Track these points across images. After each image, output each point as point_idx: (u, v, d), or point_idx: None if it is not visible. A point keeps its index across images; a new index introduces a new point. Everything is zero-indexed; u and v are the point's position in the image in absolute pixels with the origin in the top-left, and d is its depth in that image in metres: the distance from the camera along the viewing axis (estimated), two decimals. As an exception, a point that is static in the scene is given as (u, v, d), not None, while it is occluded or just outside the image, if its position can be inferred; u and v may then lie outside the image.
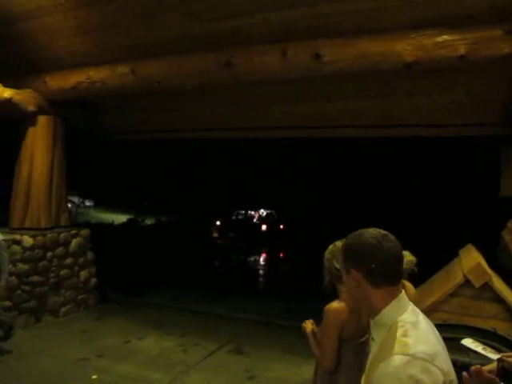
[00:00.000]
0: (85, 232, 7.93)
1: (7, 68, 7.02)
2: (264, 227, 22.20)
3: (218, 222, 21.97)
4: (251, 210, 23.74)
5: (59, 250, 7.34)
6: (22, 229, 7.18)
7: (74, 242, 7.66)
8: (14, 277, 6.76)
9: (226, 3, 5.26)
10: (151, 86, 6.28)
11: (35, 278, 6.88)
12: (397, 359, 1.39)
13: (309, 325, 2.84)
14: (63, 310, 7.33)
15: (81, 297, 7.67)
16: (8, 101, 6.80)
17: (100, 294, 8.11)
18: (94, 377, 5.14)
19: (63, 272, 7.38)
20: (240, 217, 23.53)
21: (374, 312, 1.58)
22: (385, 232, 1.59)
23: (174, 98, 7.15)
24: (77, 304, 7.59)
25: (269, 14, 5.21)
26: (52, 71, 7.08)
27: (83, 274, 7.76)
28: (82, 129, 8.17)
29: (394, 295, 1.56)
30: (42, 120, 7.36)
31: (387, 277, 1.55)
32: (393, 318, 1.53)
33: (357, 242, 1.59)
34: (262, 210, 23.85)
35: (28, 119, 7.28)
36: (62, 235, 7.43)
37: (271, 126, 7.25)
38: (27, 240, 6.88)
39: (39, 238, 7.02)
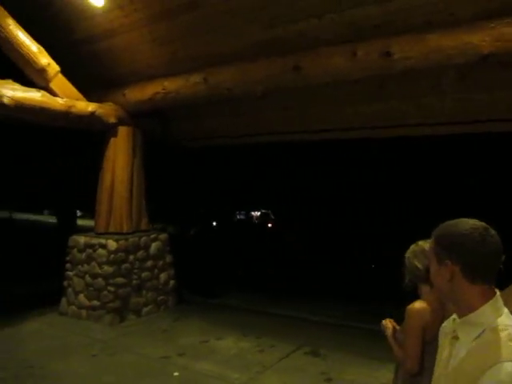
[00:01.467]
0: (163, 236, 8.30)
1: (91, 84, 7.54)
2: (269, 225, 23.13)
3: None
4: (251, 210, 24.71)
5: (140, 254, 7.74)
6: (106, 233, 7.64)
7: (154, 245, 8.04)
8: (100, 278, 7.23)
9: (293, 7, 5.34)
10: (222, 93, 6.48)
11: (119, 280, 7.30)
12: (509, 366, 1.32)
13: (389, 324, 2.81)
14: (145, 310, 7.71)
15: (161, 298, 8.03)
16: (92, 114, 7.30)
17: (178, 296, 8.43)
18: (175, 374, 5.38)
19: (144, 274, 7.76)
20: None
21: (466, 309, 1.48)
22: (486, 225, 1.48)
23: (244, 104, 7.31)
24: (157, 304, 7.96)
25: (337, 14, 5.23)
26: (130, 84, 7.51)
27: (162, 276, 8.11)
28: (159, 137, 8.58)
29: (490, 294, 1.46)
30: (123, 131, 7.80)
31: (486, 274, 1.46)
32: (489, 320, 1.44)
33: (455, 232, 1.48)
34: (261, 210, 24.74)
35: (109, 130, 7.76)
36: (142, 239, 7.83)
37: (343, 127, 7.21)
38: (111, 244, 7.32)
39: (122, 242, 7.44)
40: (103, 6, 6.26)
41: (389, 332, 2.75)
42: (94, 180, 7.94)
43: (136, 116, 7.87)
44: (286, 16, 5.48)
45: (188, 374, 5.37)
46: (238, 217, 24.06)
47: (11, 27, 6.46)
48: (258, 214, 24.87)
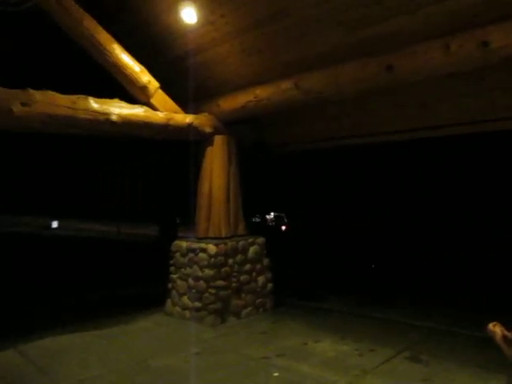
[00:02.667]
0: (260, 240, 8.50)
1: (187, 97, 7.99)
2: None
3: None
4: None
5: (239, 257, 8.00)
6: (206, 238, 8.01)
7: (252, 249, 8.27)
8: (202, 281, 7.59)
9: (383, 6, 5.26)
10: (313, 97, 6.54)
11: (219, 283, 7.60)
12: None
13: (496, 328, 2.69)
14: (244, 312, 7.96)
15: (259, 300, 8.23)
16: (189, 125, 7.71)
17: (276, 298, 8.59)
18: (275, 374, 5.50)
19: (243, 277, 8.02)
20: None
21: None
22: None
23: (336, 106, 7.31)
24: (256, 307, 8.17)
25: (431, 8, 5.06)
26: (224, 94, 7.82)
27: (260, 280, 8.32)
28: (252, 144, 8.83)
29: None
30: (218, 140, 8.14)
31: None
32: None
33: None
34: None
35: (206, 140, 8.13)
36: (240, 243, 8.10)
37: (440, 124, 6.94)
38: (211, 248, 7.66)
39: (221, 246, 7.75)
40: (195, 23, 6.61)
41: (498, 336, 2.64)
42: (188, 188, 8.35)
43: (229, 124, 8.18)
44: (376, 15, 5.41)
45: (287, 374, 5.47)
46: (253, 219, 24.92)
47: (117, 51, 7.08)
48: (271, 216, 25.37)
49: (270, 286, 8.46)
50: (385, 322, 7.54)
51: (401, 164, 14.37)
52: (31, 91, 5.96)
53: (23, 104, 5.80)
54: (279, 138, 8.91)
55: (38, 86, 6.06)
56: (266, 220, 25.94)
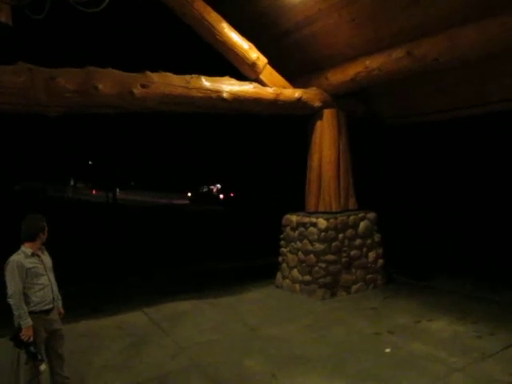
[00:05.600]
0: (371, 215, 8.31)
1: (295, 71, 7.95)
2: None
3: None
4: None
5: (349, 232, 7.91)
6: (316, 212, 8.02)
7: (362, 224, 8.12)
8: (312, 255, 7.65)
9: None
10: (428, 64, 6.15)
11: (329, 257, 7.61)
12: None
13: None
14: (354, 287, 7.89)
15: (369, 276, 8.10)
16: (298, 100, 7.69)
17: (387, 275, 8.38)
18: (387, 350, 5.41)
19: (353, 252, 7.93)
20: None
21: None
22: None
23: (451, 74, 6.80)
24: (366, 283, 8.05)
25: None
26: (332, 67, 7.66)
27: (371, 255, 8.16)
28: (361, 116, 8.58)
29: None
30: (327, 113, 8.03)
31: None
32: None
33: None
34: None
35: (315, 114, 8.07)
36: (350, 218, 7.99)
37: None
38: (322, 223, 7.66)
39: (331, 220, 7.71)
40: (302, -5, 6.52)
41: None
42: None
43: (339, 97, 8.01)
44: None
45: (400, 351, 5.35)
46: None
47: (226, 30, 7.26)
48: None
49: (380, 261, 8.27)
50: (508, 305, 6.99)
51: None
52: (149, 73, 6.37)
53: (143, 86, 6.22)
54: (391, 110, 8.54)
55: (155, 68, 6.45)
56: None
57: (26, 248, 4.04)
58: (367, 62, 6.96)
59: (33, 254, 4.05)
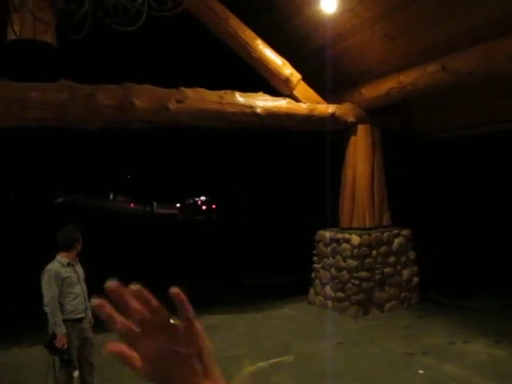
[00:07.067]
0: (406, 232, 8.16)
1: (329, 86, 7.95)
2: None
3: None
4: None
5: (383, 249, 7.78)
6: (349, 228, 7.93)
7: (397, 241, 7.98)
8: (345, 271, 7.55)
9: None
10: (462, 78, 6.04)
11: (362, 274, 7.49)
12: None
13: None
14: (388, 305, 7.72)
15: (403, 294, 7.91)
16: (332, 115, 7.69)
17: (421, 294, 8.17)
18: (420, 371, 5.24)
19: (387, 270, 7.78)
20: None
21: None
22: None
23: (488, 86, 6.64)
24: (400, 301, 7.87)
25: None
26: (366, 82, 7.63)
27: (405, 273, 7.99)
28: (396, 131, 8.47)
29: None
30: (361, 129, 7.98)
31: None
32: None
33: None
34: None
35: (349, 129, 8.03)
36: (384, 234, 7.87)
37: None
38: (355, 239, 7.57)
39: (365, 237, 7.61)
40: (335, 12, 6.55)
41: None
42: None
43: (373, 113, 7.96)
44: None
45: (433, 373, 5.19)
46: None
47: (260, 47, 7.37)
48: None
49: (415, 280, 8.08)
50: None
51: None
52: (184, 89, 6.52)
53: (177, 101, 6.37)
54: (427, 124, 8.40)
55: (189, 84, 6.60)
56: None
57: (62, 257, 4.17)
58: (401, 77, 6.90)
59: (68, 264, 4.18)
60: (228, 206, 24.92)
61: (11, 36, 3.98)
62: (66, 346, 3.98)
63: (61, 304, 4.06)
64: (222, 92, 6.79)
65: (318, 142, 8.34)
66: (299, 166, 15.35)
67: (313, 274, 8.32)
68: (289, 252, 12.18)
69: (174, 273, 11.49)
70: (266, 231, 17.72)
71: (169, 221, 31.91)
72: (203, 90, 6.68)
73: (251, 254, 13.60)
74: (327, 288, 7.90)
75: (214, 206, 35.93)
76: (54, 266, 4.10)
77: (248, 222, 21.11)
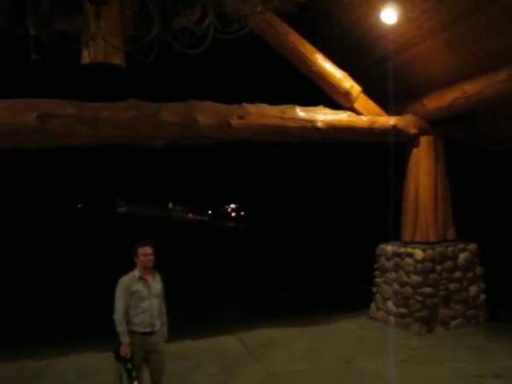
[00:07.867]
0: (472, 246, 7.85)
1: (390, 98, 7.84)
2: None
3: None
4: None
5: (447, 264, 7.52)
6: (412, 242, 7.72)
7: (462, 256, 7.69)
8: (408, 287, 7.36)
9: None
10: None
11: (426, 290, 7.27)
12: None
13: None
14: (453, 323, 7.44)
15: (470, 312, 7.59)
16: (393, 127, 7.57)
17: (490, 311, 7.81)
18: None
19: (452, 286, 7.50)
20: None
21: None
22: None
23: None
24: (466, 319, 7.56)
25: None
26: (428, 93, 7.45)
27: (472, 289, 7.67)
28: (461, 143, 8.20)
29: None
30: (424, 140, 7.79)
31: None
32: None
33: None
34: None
35: (411, 141, 7.86)
36: (449, 249, 7.60)
37: None
38: (418, 253, 7.37)
39: (429, 251, 7.39)
40: (395, 23, 6.47)
41: None
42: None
43: (436, 124, 7.76)
44: None
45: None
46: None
47: (319, 60, 7.39)
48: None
49: (482, 296, 7.74)
50: None
51: None
52: (246, 105, 6.65)
53: (239, 117, 6.51)
54: (493, 135, 8.07)
55: (250, 99, 6.72)
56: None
57: (136, 271, 4.32)
58: (466, 87, 6.70)
59: (140, 278, 4.29)
60: (281, 217, 24.78)
61: (85, 60, 4.24)
62: (129, 355, 4.13)
63: (129, 315, 4.22)
64: (282, 107, 6.87)
65: (378, 155, 8.23)
66: (355, 178, 15.17)
67: (374, 289, 8.15)
68: (342, 265, 12.07)
69: (235, 282, 11.72)
70: (322, 243, 17.62)
71: (223, 231, 32.47)
72: (264, 105, 6.78)
73: (303, 266, 13.57)
74: (389, 303, 7.72)
75: (242, 213, 38.72)
76: (126, 279, 4.27)
77: (300, 233, 21.13)
